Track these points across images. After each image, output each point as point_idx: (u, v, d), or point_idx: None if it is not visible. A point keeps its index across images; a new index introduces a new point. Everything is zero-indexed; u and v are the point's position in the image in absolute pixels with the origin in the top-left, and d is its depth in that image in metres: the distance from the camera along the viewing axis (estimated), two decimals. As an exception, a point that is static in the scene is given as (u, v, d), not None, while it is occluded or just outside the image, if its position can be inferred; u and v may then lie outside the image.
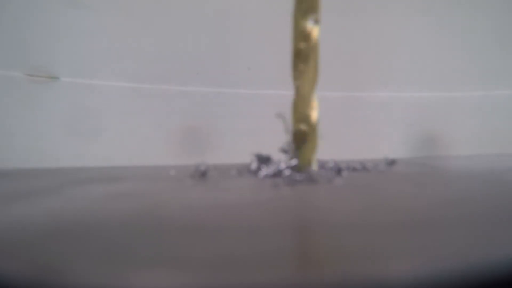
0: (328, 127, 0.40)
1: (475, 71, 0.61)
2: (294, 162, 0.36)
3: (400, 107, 0.60)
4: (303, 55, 0.37)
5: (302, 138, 0.38)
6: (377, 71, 0.59)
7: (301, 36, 0.37)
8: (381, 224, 0.20)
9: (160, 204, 0.27)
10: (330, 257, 0.16)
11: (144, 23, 0.54)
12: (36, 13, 0.51)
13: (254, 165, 0.39)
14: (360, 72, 0.58)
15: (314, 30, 0.38)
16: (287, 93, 0.39)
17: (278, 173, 0.36)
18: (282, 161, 0.39)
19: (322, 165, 0.39)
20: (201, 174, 0.38)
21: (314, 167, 0.38)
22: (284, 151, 0.38)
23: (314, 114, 0.38)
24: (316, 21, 0.38)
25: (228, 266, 0.15)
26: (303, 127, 0.38)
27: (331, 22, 0.41)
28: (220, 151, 0.42)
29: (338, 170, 0.38)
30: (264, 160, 0.40)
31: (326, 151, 0.39)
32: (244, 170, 0.39)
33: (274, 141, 0.40)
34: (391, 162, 0.42)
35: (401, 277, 0.13)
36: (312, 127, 0.38)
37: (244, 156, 0.41)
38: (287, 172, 0.35)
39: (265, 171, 0.37)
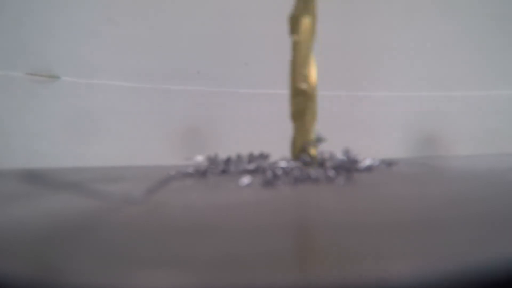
0: (327, 127, 0.40)
1: (475, 71, 0.61)
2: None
3: (400, 107, 0.60)
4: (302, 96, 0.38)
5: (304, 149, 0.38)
6: (377, 71, 0.59)
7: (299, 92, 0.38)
8: (383, 224, 0.20)
9: (160, 203, 0.27)
10: (331, 257, 0.16)
11: (144, 22, 0.54)
12: (36, 13, 0.51)
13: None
14: (360, 72, 0.58)
15: (313, 69, 0.38)
16: (287, 92, 0.39)
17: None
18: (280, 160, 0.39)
19: (322, 164, 0.39)
20: (201, 174, 0.38)
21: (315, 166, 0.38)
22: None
23: (313, 150, 0.38)
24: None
25: (230, 266, 0.15)
26: (303, 86, 0.37)
27: (331, 21, 0.41)
28: (220, 151, 0.42)
29: (339, 170, 0.38)
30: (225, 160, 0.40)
31: (326, 151, 0.39)
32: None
33: (274, 140, 0.40)
34: (390, 163, 0.42)
35: (403, 277, 0.13)
36: (311, 88, 0.38)
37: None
38: (278, 172, 0.35)
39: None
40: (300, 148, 0.38)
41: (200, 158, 0.41)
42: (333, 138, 0.37)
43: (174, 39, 0.55)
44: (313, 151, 0.38)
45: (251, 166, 0.39)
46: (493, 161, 0.52)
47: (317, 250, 0.17)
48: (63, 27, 0.52)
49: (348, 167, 0.37)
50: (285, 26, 0.39)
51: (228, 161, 0.40)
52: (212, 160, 0.41)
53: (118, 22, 0.53)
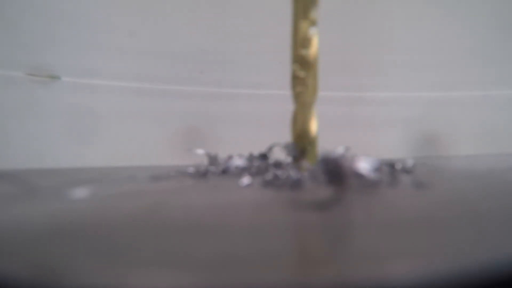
0: (327, 127, 0.40)
1: (475, 71, 0.61)
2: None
3: (400, 107, 0.60)
4: (303, 64, 0.37)
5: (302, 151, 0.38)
6: (377, 71, 0.59)
7: (301, 43, 0.37)
8: (383, 224, 0.20)
9: (161, 203, 0.27)
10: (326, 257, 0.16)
11: (145, 22, 0.54)
12: (36, 13, 0.51)
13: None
14: (360, 72, 0.58)
15: (314, 37, 0.37)
16: (289, 93, 0.39)
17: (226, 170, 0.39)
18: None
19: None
20: (202, 174, 0.38)
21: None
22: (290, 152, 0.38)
23: (314, 127, 0.38)
24: (314, 23, 0.37)
25: (230, 266, 0.15)
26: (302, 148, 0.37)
27: (331, 21, 0.41)
28: (220, 151, 0.42)
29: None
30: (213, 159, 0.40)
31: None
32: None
33: (275, 140, 0.40)
34: (391, 165, 0.42)
35: (403, 277, 0.13)
36: (312, 140, 0.38)
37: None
38: (270, 176, 0.34)
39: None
40: (299, 134, 0.38)
41: (200, 151, 0.41)
42: (333, 138, 0.37)
43: (175, 39, 0.55)
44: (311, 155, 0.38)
45: (251, 167, 0.39)
46: (493, 161, 0.52)
47: (315, 250, 0.17)
48: (63, 27, 0.52)
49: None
50: (286, 26, 0.39)
51: (228, 161, 0.40)
52: (213, 160, 0.41)
53: (139, 34, 0.53)
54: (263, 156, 0.40)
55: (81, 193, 0.29)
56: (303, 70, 0.37)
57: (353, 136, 0.56)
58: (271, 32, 0.51)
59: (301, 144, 0.38)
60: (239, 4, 0.56)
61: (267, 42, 0.54)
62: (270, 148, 0.40)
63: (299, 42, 0.37)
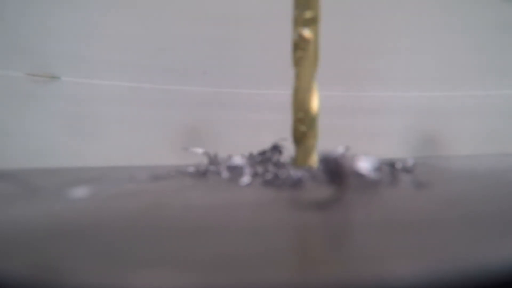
0: (327, 127, 0.40)
1: (475, 71, 0.61)
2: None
3: (400, 107, 0.60)
4: (302, 42, 0.37)
5: (301, 135, 0.37)
6: (377, 71, 0.59)
7: (300, 40, 0.37)
8: (383, 224, 0.20)
9: (161, 203, 0.27)
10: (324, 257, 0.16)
11: (146, 21, 0.54)
12: (36, 13, 0.51)
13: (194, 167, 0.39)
14: (360, 72, 0.58)
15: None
16: (289, 93, 0.39)
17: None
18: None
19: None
20: (202, 174, 0.38)
21: (314, 165, 0.38)
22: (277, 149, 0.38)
23: (315, 103, 0.38)
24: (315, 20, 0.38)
25: (230, 265, 0.15)
26: (302, 127, 0.37)
27: (330, 21, 0.41)
28: (220, 151, 0.42)
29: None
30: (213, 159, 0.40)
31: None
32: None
33: (275, 140, 0.40)
34: (391, 165, 0.42)
35: (403, 277, 0.13)
36: (312, 118, 0.38)
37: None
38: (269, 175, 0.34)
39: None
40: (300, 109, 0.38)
41: (199, 150, 0.41)
42: (333, 138, 0.37)
43: (176, 39, 0.55)
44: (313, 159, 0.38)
45: (251, 166, 0.39)
46: (493, 161, 0.52)
47: (315, 250, 0.17)
48: (63, 27, 0.52)
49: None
50: (287, 27, 0.39)
51: (228, 160, 0.40)
52: (213, 160, 0.41)
53: (140, 34, 0.53)
54: (270, 151, 0.40)
55: (81, 193, 0.29)
56: (302, 48, 0.37)
57: (353, 136, 0.56)
58: (272, 32, 0.51)
59: (302, 122, 0.37)
60: (240, 4, 0.56)
61: (268, 42, 0.54)
62: (274, 146, 0.40)
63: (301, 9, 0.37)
